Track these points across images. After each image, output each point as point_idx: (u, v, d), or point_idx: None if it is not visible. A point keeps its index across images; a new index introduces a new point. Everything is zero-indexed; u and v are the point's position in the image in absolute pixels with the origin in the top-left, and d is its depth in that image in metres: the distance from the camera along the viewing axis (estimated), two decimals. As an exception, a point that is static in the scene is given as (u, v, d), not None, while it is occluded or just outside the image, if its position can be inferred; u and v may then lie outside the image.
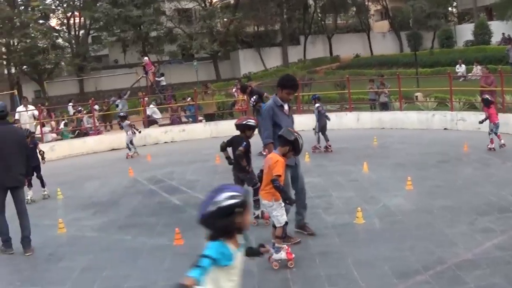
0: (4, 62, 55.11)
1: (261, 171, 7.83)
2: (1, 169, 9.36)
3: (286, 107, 8.92)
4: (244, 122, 10.12)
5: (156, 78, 35.55)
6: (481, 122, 16.15)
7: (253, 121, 10.25)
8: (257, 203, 9.77)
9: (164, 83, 37.33)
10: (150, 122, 26.63)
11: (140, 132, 21.09)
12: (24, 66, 54.76)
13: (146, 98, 28.42)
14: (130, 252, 9.08)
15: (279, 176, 7.35)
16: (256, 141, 10.21)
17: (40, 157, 14.11)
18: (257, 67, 59.70)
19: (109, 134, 26.71)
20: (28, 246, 9.54)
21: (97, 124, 26.82)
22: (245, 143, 9.95)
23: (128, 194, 13.90)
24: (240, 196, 3.90)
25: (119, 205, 12.76)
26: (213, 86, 37.72)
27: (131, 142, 20.48)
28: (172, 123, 26.91)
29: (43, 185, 14.16)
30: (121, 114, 21.89)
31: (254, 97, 17.20)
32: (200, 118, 26.53)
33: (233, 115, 27.04)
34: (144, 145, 23.50)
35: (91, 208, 12.74)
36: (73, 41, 58.02)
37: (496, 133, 15.38)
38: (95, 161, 20.50)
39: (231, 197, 3.87)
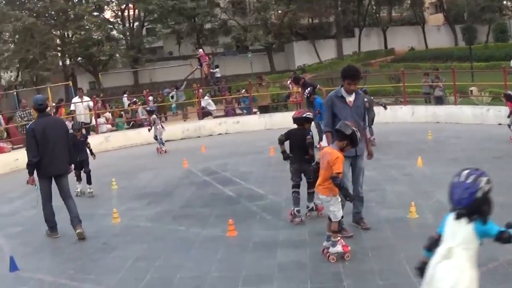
0: (59, 54, 56.17)
1: (317, 163, 7.71)
2: (45, 160, 9.75)
3: (350, 98, 8.72)
4: (303, 115, 9.95)
5: (211, 70, 35.59)
6: (509, 116, 16.58)
7: (311, 114, 10.09)
8: (311, 195, 9.70)
9: (218, 75, 37.39)
10: (204, 113, 26.72)
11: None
12: (79, 58, 55.68)
13: (200, 90, 28.48)
14: (183, 242, 9.06)
15: (339, 173, 7.24)
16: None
17: (88, 151, 13.80)
18: (311, 59, 59.48)
19: (163, 125, 26.86)
20: (78, 224, 9.86)
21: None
22: (311, 132, 9.84)
23: (182, 185, 13.92)
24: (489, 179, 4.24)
25: (173, 196, 12.78)
26: (268, 78, 37.61)
27: (160, 136, 20.21)
28: (227, 114, 26.93)
29: (89, 181, 13.53)
30: (148, 108, 21.90)
31: (309, 89, 17.09)
32: (254, 110, 26.48)
33: (288, 107, 26.94)
34: (199, 137, 23.62)
35: (145, 198, 12.80)
36: (128, 33, 58.71)
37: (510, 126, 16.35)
38: (149, 152, 20.63)
39: (488, 181, 4.22)
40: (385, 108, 17.32)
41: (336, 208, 7.43)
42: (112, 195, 13.65)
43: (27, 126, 10.37)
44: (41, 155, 9.73)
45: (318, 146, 16.70)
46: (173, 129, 24.36)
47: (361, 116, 8.85)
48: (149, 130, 20.72)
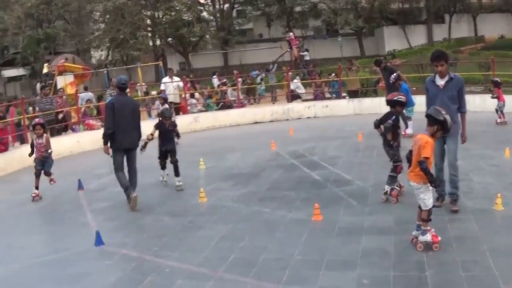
0: (149, 34, 57.12)
1: (410, 152, 7.62)
2: (120, 134, 10.99)
3: (441, 82, 8.86)
4: (395, 98, 9.97)
5: (301, 53, 35.52)
6: (492, 97, 18.73)
7: (403, 97, 10.07)
8: (390, 179, 9.79)
9: (308, 58, 37.28)
10: (293, 96, 26.69)
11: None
12: (169, 39, 56.43)
13: (290, 73, 28.44)
14: (268, 224, 9.11)
15: (427, 158, 7.15)
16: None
17: (176, 137, 13.12)
18: (401, 44, 58.54)
19: (252, 107, 27.04)
20: (132, 190, 11.01)
21: (241, 97, 27.16)
22: (394, 117, 9.84)
23: (269, 167, 13.97)
24: None
25: (259, 178, 12.85)
26: (358, 63, 37.25)
27: None
28: (316, 98, 26.80)
29: (177, 173, 12.31)
30: (163, 95, 21.01)
31: (395, 74, 16.92)
32: (343, 94, 26.26)
33: (377, 93, 26.60)
34: (287, 119, 23.62)
35: (232, 179, 12.92)
36: (218, 15, 59.14)
37: (502, 112, 18.14)
38: (238, 133, 20.80)
39: None
40: None
41: (426, 196, 7.33)
42: (199, 174, 13.86)
43: (108, 101, 12.04)
44: (116, 130, 10.93)
45: (403, 133, 16.59)
46: (262, 111, 24.48)
47: (453, 100, 8.83)
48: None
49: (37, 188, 12.69)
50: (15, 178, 15.94)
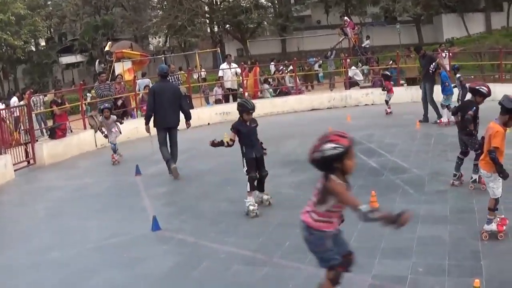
0: (207, 21, 57.38)
1: (482, 138, 7.58)
2: (162, 114, 12.84)
3: None
4: (476, 87, 9.71)
5: (361, 40, 35.25)
6: (383, 90, 20.93)
7: (485, 88, 9.61)
8: (475, 167, 9.65)
9: (367, 45, 37.00)
10: (351, 83, 26.59)
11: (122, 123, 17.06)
12: (227, 25, 56.60)
13: (348, 60, 28.30)
14: (324, 211, 9.16)
15: (497, 148, 7.10)
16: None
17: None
18: (460, 32, 57.38)
19: (309, 94, 27.01)
20: (173, 162, 12.96)
21: (299, 84, 27.15)
22: (474, 107, 9.69)
23: (326, 155, 13.96)
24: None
25: (316, 165, 12.86)
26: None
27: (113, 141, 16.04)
28: (373, 85, 26.60)
29: (263, 188, 10.03)
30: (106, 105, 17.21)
31: (434, 63, 16.93)
32: (401, 82, 26.00)
33: (435, 81, 26.21)
34: (345, 106, 23.59)
35: (289, 166, 13.00)
36: (276, 1, 58.94)
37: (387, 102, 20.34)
38: (295, 120, 20.85)
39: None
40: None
41: (495, 185, 7.29)
42: (256, 161, 13.94)
43: (150, 86, 14.93)
44: (157, 111, 12.83)
45: (438, 121, 16.47)
46: (320, 97, 24.52)
47: None
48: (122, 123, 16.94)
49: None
50: (74, 163, 16.35)
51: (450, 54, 24.99)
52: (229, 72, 24.88)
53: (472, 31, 57.20)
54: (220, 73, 25.34)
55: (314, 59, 35.92)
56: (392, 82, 21.13)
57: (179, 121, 13.31)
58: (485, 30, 57.77)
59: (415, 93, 23.34)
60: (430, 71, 17.02)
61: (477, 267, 6.47)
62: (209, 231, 8.67)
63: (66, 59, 64.72)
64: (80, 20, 61.01)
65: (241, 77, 25.10)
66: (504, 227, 7.30)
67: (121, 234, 8.95)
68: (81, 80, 45.98)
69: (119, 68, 28.89)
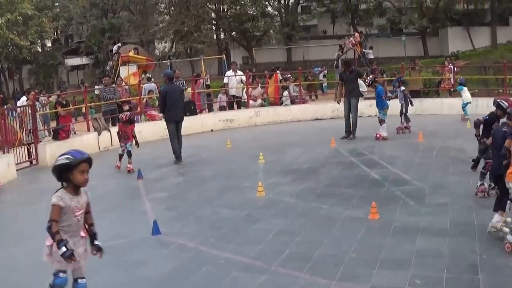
0: (214, 28, 57.50)
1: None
2: (172, 110, 15.23)
3: None
4: (497, 100, 9.56)
5: (364, 50, 35.27)
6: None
7: (505, 103, 9.29)
8: (483, 175, 9.87)
9: (371, 56, 37.02)
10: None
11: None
12: (233, 32, 56.70)
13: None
14: (325, 220, 9.19)
15: None
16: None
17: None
18: (465, 45, 57.36)
19: (313, 103, 27.03)
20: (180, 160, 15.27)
21: (303, 93, 27.16)
22: (488, 117, 9.84)
23: (328, 164, 14.04)
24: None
25: (318, 174, 12.93)
26: (421, 63, 36.79)
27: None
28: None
29: None
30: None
31: (371, 76, 18.41)
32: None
33: (439, 94, 26.26)
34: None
35: (291, 174, 13.02)
36: (282, 10, 59.03)
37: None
38: (298, 129, 20.88)
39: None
40: (412, 104, 18.69)
41: None
42: (258, 168, 14.00)
43: (161, 88, 17.04)
44: (169, 108, 15.16)
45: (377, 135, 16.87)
46: (323, 108, 24.52)
47: None
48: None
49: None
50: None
51: (455, 68, 24.96)
52: (234, 79, 24.95)
53: (478, 45, 57.22)
54: (226, 80, 25.40)
55: (319, 68, 35.91)
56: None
57: (184, 115, 16.12)
58: (491, 44, 57.77)
59: (418, 105, 23.38)
60: (366, 84, 17.49)
61: (475, 280, 6.47)
62: (209, 237, 8.69)
63: (71, 61, 64.85)
64: (87, 23, 61.08)
65: (245, 85, 25.12)
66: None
67: (121, 237, 8.96)
68: (88, 82, 45.96)
69: (124, 71, 28.96)
